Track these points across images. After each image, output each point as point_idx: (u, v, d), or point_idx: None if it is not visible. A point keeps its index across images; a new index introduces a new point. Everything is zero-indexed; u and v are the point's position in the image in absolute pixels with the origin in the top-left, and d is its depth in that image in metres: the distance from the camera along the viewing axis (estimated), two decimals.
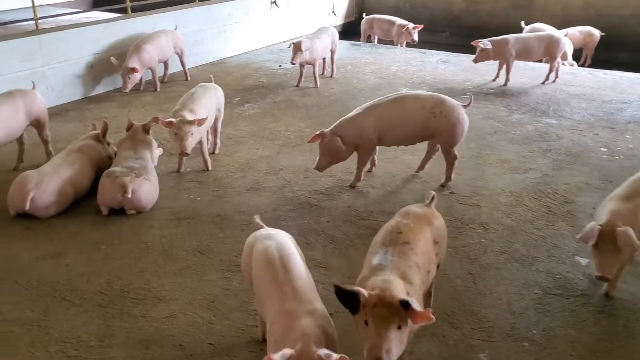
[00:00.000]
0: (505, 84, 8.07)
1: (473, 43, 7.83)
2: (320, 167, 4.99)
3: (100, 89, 7.97)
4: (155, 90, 8.01)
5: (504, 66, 8.08)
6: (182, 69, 8.54)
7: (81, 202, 4.96)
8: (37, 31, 7.14)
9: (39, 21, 7.27)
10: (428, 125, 4.91)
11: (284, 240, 2.97)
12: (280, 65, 9.34)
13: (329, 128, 4.95)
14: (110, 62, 7.49)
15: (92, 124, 5.70)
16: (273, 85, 8.37)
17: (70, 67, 7.50)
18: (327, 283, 3.82)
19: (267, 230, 3.09)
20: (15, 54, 6.83)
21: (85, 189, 5.00)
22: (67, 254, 4.25)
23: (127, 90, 7.49)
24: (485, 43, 7.74)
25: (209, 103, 5.57)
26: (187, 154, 5.21)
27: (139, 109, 7.27)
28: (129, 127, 5.28)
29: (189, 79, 8.51)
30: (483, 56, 7.86)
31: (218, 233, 4.55)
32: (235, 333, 3.44)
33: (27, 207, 4.55)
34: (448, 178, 5.19)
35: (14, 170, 5.55)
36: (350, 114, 5.04)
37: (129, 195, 4.60)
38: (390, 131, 4.94)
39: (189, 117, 5.12)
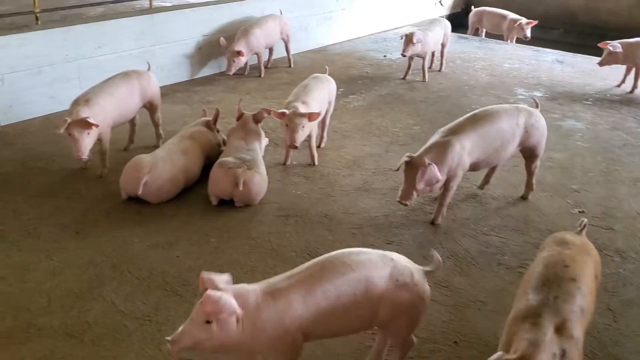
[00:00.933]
0: (632, 91, 7.43)
1: (601, 45, 7.23)
2: (407, 198, 4.14)
3: (206, 71, 7.93)
4: (260, 75, 7.90)
5: (632, 71, 7.42)
6: (285, 55, 8.39)
7: (190, 190, 4.88)
8: (151, 10, 7.15)
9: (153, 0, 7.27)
10: (521, 140, 4.51)
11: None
12: (385, 56, 9.03)
13: (419, 153, 4.21)
14: (217, 45, 7.43)
15: (202, 110, 5.61)
16: (378, 76, 8.07)
17: (179, 48, 7.49)
18: (451, 306, 3.53)
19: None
20: (128, 32, 6.86)
21: (195, 177, 4.92)
22: (177, 244, 4.16)
23: (231, 73, 7.42)
24: (615, 45, 7.11)
25: (321, 96, 5.37)
26: (296, 147, 5.03)
27: (243, 95, 7.17)
28: (240, 117, 5.15)
29: (292, 65, 8.35)
30: (611, 59, 7.24)
31: (327, 235, 4.34)
32: (349, 345, 3.22)
33: (140, 192, 4.51)
34: (531, 188, 4.86)
35: (124, 150, 5.56)
36: (439, 138, 4.29)
37: (241, 188, 4.47)
38: (488, 154, 4.38)
39: (302, 109, 4.93)
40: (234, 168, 4.52)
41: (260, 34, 7.62)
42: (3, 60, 5.85)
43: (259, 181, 4.64)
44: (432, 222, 4.49)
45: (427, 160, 4.05)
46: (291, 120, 4.87)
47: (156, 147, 5.32)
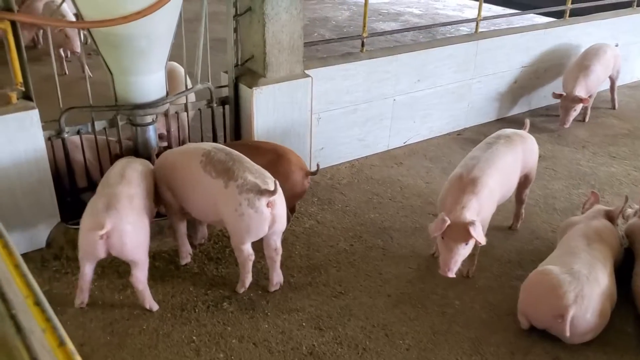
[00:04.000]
0: None
1: None
2: (453, 268, 3.38)
3: (515, 110, 6.45)
4: (584, 120, 6.25)
5: None
6: (610, 94, 6.66)
7: None
8: (476, 35, 5.77)
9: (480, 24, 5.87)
10: (524, 168, 4.01)
11: None
12: None
13: (464, 213, 3.38)
14: (530, 78, 5.91)
15: (592, 193, 4.09)
16: None
17: (496, 81, 6.06)
18: None
19: None
20: (451, 62, 5.55)
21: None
22: None
23: (567, 126, 5.88)
24: None
25: None
26: None
27: (578, 148, 5.60)
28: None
29: (616, 107, 6.62)
30: None
31: None
32: None
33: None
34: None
35: (510, 229, 4.28)
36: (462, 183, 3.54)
37: None
38: (508, 190, 3.87)
39: None
40: None
41: (602, 71, 5.99)
42: (323, 97, 4.77)
43: None
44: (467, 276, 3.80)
45: (469, 218, 3.33)
46: None
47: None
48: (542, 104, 6.64)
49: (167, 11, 3.54)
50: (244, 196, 3.22)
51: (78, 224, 3.89)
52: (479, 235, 3.32)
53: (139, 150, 4.12)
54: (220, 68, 4.56)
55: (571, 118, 5.84)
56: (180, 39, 3.94)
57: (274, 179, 3.31)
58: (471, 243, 3.40)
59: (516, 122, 6.19)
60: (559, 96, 5.84)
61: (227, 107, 4.50)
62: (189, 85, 4.31)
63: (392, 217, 4.45)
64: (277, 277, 3.57)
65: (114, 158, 3.97)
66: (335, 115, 4.99)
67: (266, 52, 4.25)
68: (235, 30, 4.30)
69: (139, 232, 3.21)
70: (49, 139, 3.80)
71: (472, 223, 3.32)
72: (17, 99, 3.55)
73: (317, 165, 3.79)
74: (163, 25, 3.70)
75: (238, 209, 3.23)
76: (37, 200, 3.74)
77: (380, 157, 5.38)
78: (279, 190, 3.24)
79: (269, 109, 4.38)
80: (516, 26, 6.75)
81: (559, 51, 6.45)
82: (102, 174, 4.06)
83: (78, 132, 3.92)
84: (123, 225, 3.12)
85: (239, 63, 4.41)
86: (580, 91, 5.77)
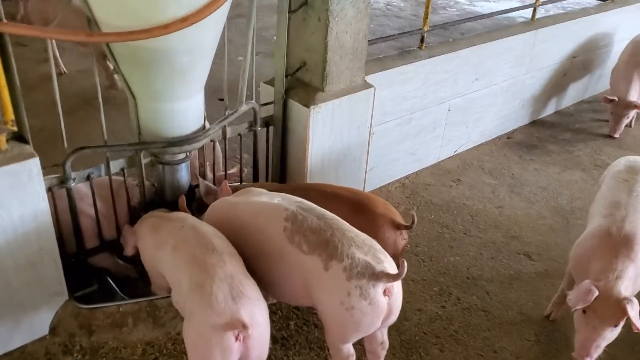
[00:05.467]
0: None
1: None
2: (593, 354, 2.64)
3: (561, 104, 5.70)
4: (630, 125, 5.54)
5: None
6: None
7: None
8: (534, 24, 4.90)
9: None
10: None
11: None
12: None
13: (618, 286, 2.60)
14: (579, 69, 5.18)
15: None
16: None
17: (547, 76, 5.27)
18: None
19: None
20: (507, 56, 4.70)
21: None
22: None
23: (617, 135, 5.19)
24: None
25: None
26: None
27: None
28: None
29: None
30: None
31: None
32: None
33: None
34: None
35: None
36: (624, 248, 2.72)
37: None
38: None
39: None
40: None
41: None
42: (379, 107, 3.84)
43: None
44: None
45: (624, 292, 2.57)
46: None
47: None
48: (586, 96, 5.93)
49: (217, 16, 2.51)
50: (355, 283, 2.31)
51: (87, 298, 2.93)
52: (636, 317, 2.54)
53: (166, 194, 3.11)
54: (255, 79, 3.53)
55: (622, 126, 5.17)
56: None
57: (386, 254, 2.42)
58: (621, 325, 2.63)
59: (565, 117, 5.50)
60: (610, 101, 5.09)
61: (271, 128, 3.51)
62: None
63: (476, 260, 3.64)
64: None
65: (139, 208, 2.96)
66: (390, 127, 4.08)
67: (327, 59, 3.27)
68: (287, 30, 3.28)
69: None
70: (49, 190, 2.73)
71: (629, 300, 2.54)
72: (7, 141, 2.47)
73: (413, 216, 2.88)
74: (211, 35, 2.67)
75: (345, 301, 2.32)
76: (37, 276, 2.70)
77: (432, 172, 4.53)
78: (403, 270, 2.33)
79: (326, 131, 3.43)
80: (568, 10, 5.90)
81: (606, 37, 5.70)
82: (118, 228, 3.04)
83: (88, 178, 2.86)
84: (260, 317, 2.24)
85: (288, 73, 3.40)
86: (634, 94, 5.05)
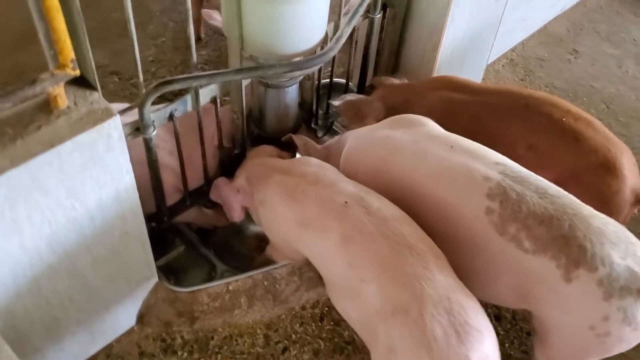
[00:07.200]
0: None
1: None
2: None
3: None
4: None
5: None
6: None
7: None
8: None
9: None
10: None
11: None
12: None
13: None
14: None
15: None
16: None
17: None
18: None
19: None
20: None
21: None
22: None
23: None
24: None
25: None
26: None
27: None
28: None
29: None
30: None
31: None
32: None
33: None
34: None
35: None
36: None
37: None
38: None
39: None
40: None
41: None
42: None
43: None
44: None
45: None
46: None
47: None
48: None
49: None
50: (616, 304, 1.58)
51: (172, 267, 2.21)
52: None
53: (266, 126, 2.23)
54: None
55: None
56: None
57: None
58: None
59: None
60: None
61: (388, 11, 2.51)
62: None
63: None
64: None
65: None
66: None
67: None
68: None
69: None
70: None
71: None
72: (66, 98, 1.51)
73: None
74: None
75: (599, 327, 1.61)
76: (121, 266, 1.90)
77: (541, 41, 3.63)
78: None
79: (465, 9, 2.48)
80: None
81: None
82: (205, 173, 2.20)
83: (170, 118, 1.93)
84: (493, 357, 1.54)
85: None
86: None
